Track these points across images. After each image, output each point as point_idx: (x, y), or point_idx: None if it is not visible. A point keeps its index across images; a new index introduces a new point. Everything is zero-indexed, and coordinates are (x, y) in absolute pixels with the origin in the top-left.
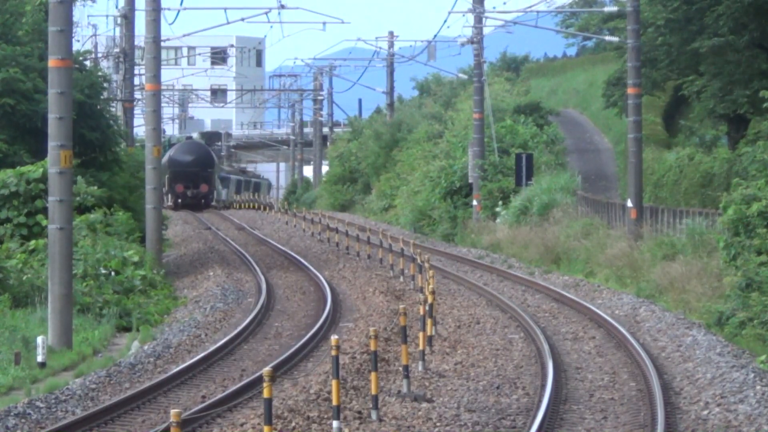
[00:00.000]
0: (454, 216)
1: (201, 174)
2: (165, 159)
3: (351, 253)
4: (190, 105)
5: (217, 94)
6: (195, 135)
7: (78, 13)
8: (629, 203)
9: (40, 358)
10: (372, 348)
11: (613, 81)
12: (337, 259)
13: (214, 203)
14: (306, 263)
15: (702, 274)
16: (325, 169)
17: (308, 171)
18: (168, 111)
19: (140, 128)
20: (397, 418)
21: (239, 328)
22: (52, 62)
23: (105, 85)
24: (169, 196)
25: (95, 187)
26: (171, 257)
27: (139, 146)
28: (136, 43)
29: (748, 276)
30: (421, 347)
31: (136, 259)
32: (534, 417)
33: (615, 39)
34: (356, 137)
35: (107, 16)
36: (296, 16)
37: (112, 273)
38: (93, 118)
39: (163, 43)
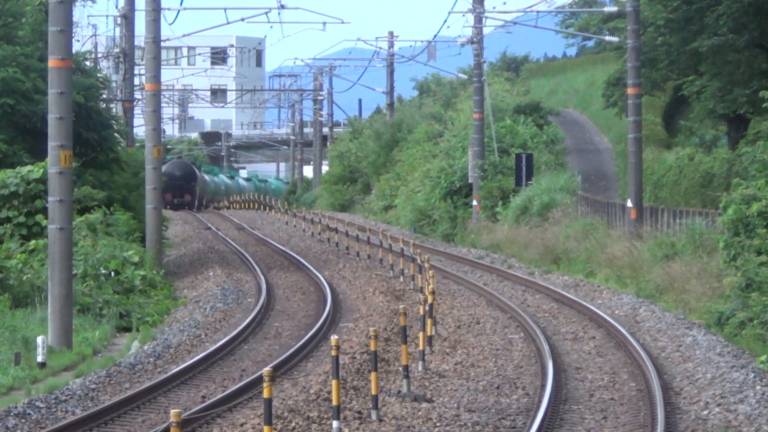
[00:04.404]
0: (454, 216)
1: (186, 186)
2: None
3: (351, 253)
4: (190, 105)
5: (217, 94)
6: (195, 134)
7: (78, 13)
8: (629, 203)
9: (40, 358)
10: (372, 348)
11: (613, 81)
12: (337, 259)
13: (194, 209)
14: (306, 263)
15: (702, 274)
16: (325, 169)
17: (308, 171)
18: (168, 111)
19: (140, 128)
20: (397, 418)
21: (239, 328)
22: (52, 62)
23: (102, 86)
24: None
25: (97, 190)
26: (171, 257)
27: (139, 146)
28: (136, 43)
29: (748, 276)
30: (421, 347)
31: (136, 259)
32: (534, 417)
33: (615, 39)
34: (356, 137)
35: (107, 16)
36: (296, 16)
37: (112, 273)
38: (90, 118)
39: (163, 43)
